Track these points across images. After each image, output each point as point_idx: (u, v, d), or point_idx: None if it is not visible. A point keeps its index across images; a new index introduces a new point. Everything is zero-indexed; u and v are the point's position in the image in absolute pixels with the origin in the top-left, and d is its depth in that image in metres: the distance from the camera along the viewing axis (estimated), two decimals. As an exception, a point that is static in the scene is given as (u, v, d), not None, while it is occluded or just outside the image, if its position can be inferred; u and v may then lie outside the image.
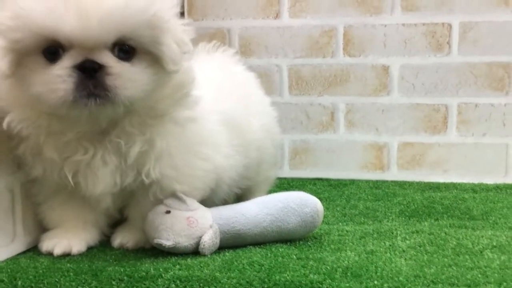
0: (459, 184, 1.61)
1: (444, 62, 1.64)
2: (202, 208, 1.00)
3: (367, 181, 1.68)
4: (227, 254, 0.96)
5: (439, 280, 0.82)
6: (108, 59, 0.83)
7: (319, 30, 1.71)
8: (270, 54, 1.74)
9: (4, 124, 0.90)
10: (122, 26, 0.82)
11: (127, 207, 1.04)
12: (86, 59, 0.81)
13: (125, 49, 0.85)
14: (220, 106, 1.09)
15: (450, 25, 1.63)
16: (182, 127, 0.97)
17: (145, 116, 0.92)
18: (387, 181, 1.67)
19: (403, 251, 0.98)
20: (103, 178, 0.93)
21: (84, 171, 0.93)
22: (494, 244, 1.01)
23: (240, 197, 1.23)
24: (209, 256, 0.95)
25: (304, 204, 1.03)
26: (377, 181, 1.68)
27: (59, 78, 0.81)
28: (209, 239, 0.96)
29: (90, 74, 0.81)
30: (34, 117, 0.89)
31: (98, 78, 0.82)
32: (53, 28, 0.79)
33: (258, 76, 1.37)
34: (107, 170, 0.93)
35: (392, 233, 1.10)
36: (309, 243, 1.03)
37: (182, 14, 1.76)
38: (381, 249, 0.99)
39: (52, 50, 0.83)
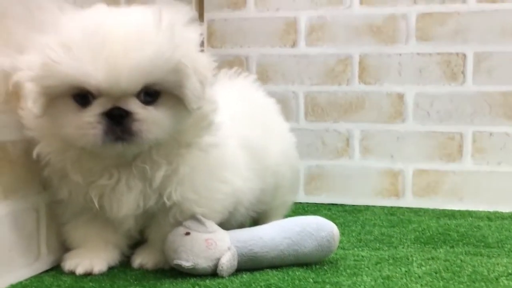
0: (474, 212, 1.62)
1: (458, 91, 1.66)
2: (221, 230, 1.02)
3: (382, 208, 1.69)
4: (244, 276, 0.98)
5: (455, 305, 0.83)
6: (134, 106, 0.87)
7: (335, 58, 1.75)
8: (287, 81, 1.78)
9: (34, 154, 0.94)
10: (149, 76, 0.86)
11: (147, 228, 1.06)
12: (114, 107, 0.86)
13: (150, 93, 0.89)
14: (239, 131, 1.12)
15: (464, 55, 1.66)
16: (206, 153, 1.00)
17: (171, 146, 0.96)
18: (402, 208, 1.68)
19: (419, 277, 0.99)
20: (127, 202, 0.97)
21: (108, 195, 0.96)
22: (510, 271, 1.02)
23: (256, 221, 1.25)
24: (227, 278, 0.97)
25: (320, 229, 1.05)
26: (392, 207, 1.69)
27: (89, 124, 0.86)
28: (227, 261, 0.97)
29: (117, 121, 0.86)
30: (63, 150, 0.93)
31: (125, 124, 0.86)
32: (82, 79, 0.83)
33: (275, 103, 1.39)
34: (131, 194, 0.96)
35: (408, 259, 1.11)
36: (325, 267, 1.04)
37: (201, 42, 1.82)
38: (397, 275, 1.00)
39: (82, 95, 0.87)
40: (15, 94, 0.92)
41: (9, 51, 0.92)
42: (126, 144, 0.88)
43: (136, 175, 0.95)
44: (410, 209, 1.66)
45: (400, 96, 1.70)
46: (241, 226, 1.15)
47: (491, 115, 1.65)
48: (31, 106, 0.88)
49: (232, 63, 1.75)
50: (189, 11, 0.95)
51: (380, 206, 1.70)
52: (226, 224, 1.08)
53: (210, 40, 1.82)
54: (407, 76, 1.69)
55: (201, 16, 1.80)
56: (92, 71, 0.82)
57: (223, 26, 1.81)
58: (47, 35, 0.85)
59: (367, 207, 1.69)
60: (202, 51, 0.97)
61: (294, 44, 1.77)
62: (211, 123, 1.00)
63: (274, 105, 1.37)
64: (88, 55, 0.82)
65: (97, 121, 0.86)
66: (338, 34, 1.73)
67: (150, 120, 0.88)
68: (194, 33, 0.95)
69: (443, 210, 1.64)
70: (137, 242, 1.09)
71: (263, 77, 1.78)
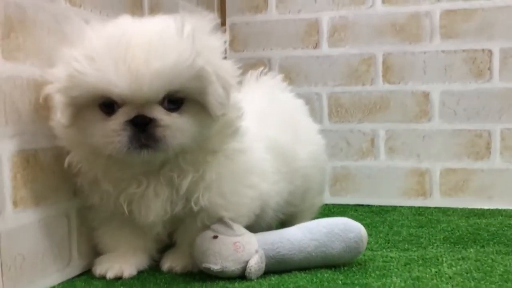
0: (504, 210, 1.59)
1: (485, 88, 1.64)
2: (248, 233, 1.03)
3: (409, 208, 1.67)
4: (272, 278, 0.98)
5: (488, 306, 0.82)
6: (158, 113, 0.88)
7: (358, 58, 1.74)
8: (310, 82, 1.78)
9: (66, 163, 0.96)
10: (171, 83, 0.87)
11: (175, 232, 1.07)
12: (138, 115, 0.87)
13: (173, 100, 0.90)
14: (267, 133, 1.12)
15: (490, 51, 1.63)
16: (232, 159, 1.01)
17: (197, 154, 0.97)
18: (429, 208, 1.66)
19: (450, 277, 0.97)
20: (154, 208, 0.98)
21: (137, 201, 0.98)
22: (544, 271, 1.00)
23: (284, 223, 1.25)
24: (255, 280, 0.97)
25: (348, 230, 1.04)
26: (419, 207, 1.67)
27: (114, 132, 0.87)
28: (255, 264, 0.98)
29: (141, 128, 0.87)
30: (93, 158, 0.95)
31: (149, 131, 0.87)
32: (106, 89, 0.85)
33: (303, 104, 1.39)
34: (159, 201, 0.98)
35: (438, 259, 1.09)
36: (353, 269, 1.04)
37: (225, 48, 1.83)
38: (427, 275, 0.99)
39: (107, 104, 0.88)
40: (45, 103, 0.94)
41: (38, 61, 0.94)
42: (152, 150, 0.88)
43: (163, 182, 0.97)
44: (438, 209, 1.64)
45: (426, 95, 1.68)
46: (269, 227, 1.16)
47: (519, 112, 1.62)
48: (59, 117, 0.90)
49: (255, 66, 1.74)
50: (212, 19, 0.96)
51: (407, 207, 1.69)
52: (255, 226, 1.08)
53: (232, 44, 1.83)
54: (432, 74, 1.67)
55: (223, 21, 1.81)
56: (115, 80, 0.84)
57: (245, 29, 1.81)
58: (73, 47, 0.87)
59: (394, 208, 1.68)
60: (225, 58, 0.97)
61: (316, 45, 1.77)
62: (236, 130, 1.00)
63: (303, 106, 1.37)
64: (111, 65, 0.84)
65: (122, 129, 0.87)
66: (361, 34, 1.73)
67: (174, 126, 0.89)
68: (217, 41, 0.95)
69: (472, 209, 1.62)
70: (166, 246, 1.10)
71: (286, 79, 1.74)
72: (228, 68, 0.96)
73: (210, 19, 0.95)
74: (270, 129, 1.14)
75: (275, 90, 1.32)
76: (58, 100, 0.89)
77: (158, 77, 0.85)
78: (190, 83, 0.88)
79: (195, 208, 0.99)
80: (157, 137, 0.88)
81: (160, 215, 0.99)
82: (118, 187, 0.97)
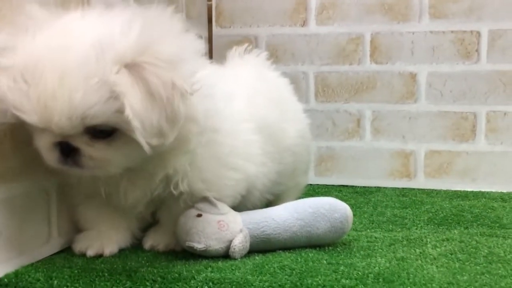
0: (487, 193, 1.60)
1: (472, 70, 1.63)
2: (233, 212, 1.01)
3: (394, 189, 1.67)
4: (257, 258, 0.97)
5: (472, 287, 0.82)
6: (81, 143, 0.83)
7: (346, 37, 1.71)
8: (297, 61, 1.75)
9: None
10: (84, 121, 0.79)
11: (158, 210, 1.05)
12: (61, 141, 0.83)
13: (101, 129, 0.82)
14: (256, 113, 1.10)
15: (479, 33, 1.62)
16: (210, 145, 0.97)
17: (160, 160, 0.91)
18: (414, 189, 1.67)
19: (434, 258, 0.97)
20: (133, 193, 0.96)
21: (115, 186, 0.96)
22: (527, 253, 1.00)
23: (269, 203, 1.24)
24: (239, 259, 0.96)
25: (333, 210, 1.03)
26: (403, 189, 1.67)
27: (45, 149, 0.85)
28: (239, 243, 0.96)
29: (66, 153, 0.84)
30: None
31: (73, 157, 0.85)
32: (21, 114, 0.80)
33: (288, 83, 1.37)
34: (137, 188, 0.96)
35: (422, 240, 1.09)
36: (338, 249, 1.03)
37: (209, 21, 1.79)
38: (412, 256, 0.98)
39: None
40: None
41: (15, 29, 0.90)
42: (85, 171, 0.87)
43: (138, 174, 0.94)
44: (422, 190, 1.64)
45: (413, 76, 1.67)
46: (254, 208, 1.14)
47: (505, 94, 1.62)
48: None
49: (240, 43, 1.71)
50: (179, 19, 0.86)
51: (391, 188, 1.69)
52: (240, 207, 1.06)
53: (218, 20, 1.79)
54: (420, 55, 1.66)
55: (209, -5, 1.77)
56: (27, 110, 0.79)
57: (232, 5, 1.77)
58: (12, 55, 0.81)
59: (378, 189, 1.68)
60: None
61: (304, 23, 1.74)
62: (197, 145, 0.93)
63: (288, 85, 1.35)
64: (26, 91, 0.78)
65: (50, 149, 0.85)
66: (349, 12, 1.70)
67: (98, 157, 0.84)
68: (172, 47, 0.82)
69: (456, 191, 1.62)
70: (149, 224, 1.08)
71: (273, 57, 1.73)
72: (170, 81, 0.79)
73: (176, 18, 0.86)
74: (259, 108, 1.12)
75: (261, 68, 1.29)
76: None
77: (68, 115, 0.78)
78: (112, 118, 0.79)
79: (175, 193, 0.97)
80: (81, 164, 0.85)
81: (140, 198, 0.97)
82: (91, 177, 0.94)
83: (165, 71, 0.79)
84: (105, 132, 0.83)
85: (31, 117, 0.80)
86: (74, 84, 0.77)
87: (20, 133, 0.92)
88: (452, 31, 1.64)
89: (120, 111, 0.77)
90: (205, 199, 0.99)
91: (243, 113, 1.06)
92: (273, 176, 1.15)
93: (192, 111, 0.86)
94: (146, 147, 0.79)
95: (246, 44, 1.30)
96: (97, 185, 0.96)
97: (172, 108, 0.79)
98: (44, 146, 0.85)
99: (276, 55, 1.75)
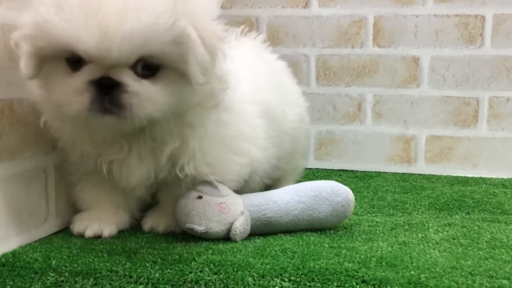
0: (488, 179, 1.59)
1: (476, 55, 1.61)
2: (234, 194, 1.00)
3: (394, 174, 1.66)
4: (258, 241, 0.95)
5: (477, 272, 0.81)
6: (127, 78, 0.79)
7: (349, 20, 1.69)
8: (298, 43, 1.73)
9: (41, 124, 0.90)
10: (145, 48, 0.78)
11: (158, 192, 1.04)
12: (104, 76, 0.78)
13: (149, 65, 0.81)
14: (259, 96, 1.08)
15: (483, 17, 1.60)
16: (217, 126, 0.95)
17: (174, 126, 0.90)
18: (414, 174, 1.66)
19: (437, 243, 0.96)
20: (138, 174, 0.93)
21: (119, 166, 0.93)
22: (530, 238, 0.99)
23: (269, 187, 1.23)
24: (240, 242, 0.95)
25: (335, 194, 1.02)
26: (404, 174, 1.66)
27: (75, 91, 0.79)
28: (240, 226, 0.95)
29: (106, 90, 0.79)
30: (64, 119, 0.89)
31: (114, 95, 0.79)
32: (71, 43, 0.76)
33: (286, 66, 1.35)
34: (142, 167, 0.93)
35: (424, 225, 1.08)
36: (340, 232, 1.02)
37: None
38: (414, 240, 0.98)
39: (74, 60, 0.80)
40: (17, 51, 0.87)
41: (14, 4, 0.88)
42: (115, 117, 0.80)
43: (145, 149, 0.91)
44: (422, 176, 1.63)
45: (416, 60, 1.65)
46: (253, 191, 1.13)
47: (509, 80, 1.60)
48: (22, 67, 0.82)
49: (241, 24, 1.68)
50: None
51: (391, 173, 1.68)
52: (239, 192, 1.05)
53: (219, 1, 1.75)
54: (423, 39, 1.64)
55: (210, -25, 1.74)
56: (82, 36, 0.75)
57: (233, -15, 1.74)
58: None
59: (378, 173, 1.67)
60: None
61: (306, 5, 1.71)
62: (218, 104, 0.93)
63: (286, 68, 1.33)
64: (81, 17, 0.75)
65: (84, 88, 0.79)
66: (352, -6, 1.67)
67: (143, 94, 0.80)
68: (206, 1, 0.86)
69: (456, 177, 1.62)
70: (148, 205, 1.07)
71: (274, 39, 1.73)
72: (216, 32, 0.86)
73: None
74: (261, 92, 1.10)
75: (259, 51, 1.27)
76: (23, 48, 0.81)
77: (131, 39, 0.75)
78: (168, 48, 0.79)
79: (181, 176, 0.94)
80: (121, 104, 0.79)
81: (143, 180, 0.94)
82: (98, 149, 0.91)
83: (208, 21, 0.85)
84: (150, 69, 0.81)
85: (85, 44, 0.75)
86: (143, 6, 0.76)
87: (18, 110, 0.90)
88: (456, 15, 1.61)
89: (178, 41, 0.79)
90: (206, 181, 0.98)
91: (247, 96, 1.04)
92: (273, 161, 1.14)
93: (218, 68, 0.88)
94: (197, 79, 0.82)
95: (242, 27, 1.27)
96: (99, 163, 0.92)
97: (212, 47, 0.84)
98: (76, 88, 0.79)
99: (277, 37, 1.73)
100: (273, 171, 1.18)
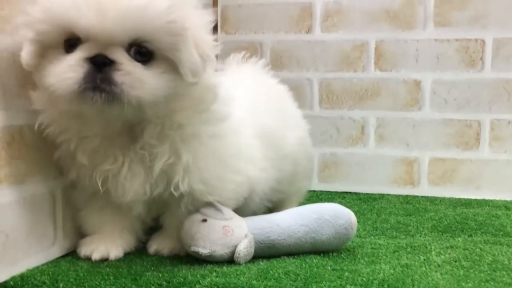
0: (491, 201, 1.59)
1: (477, 78, 1.63)
2: (238, 217, 1.01)
3: (397, 196, 1.67)
4: (261, 263, 0.97)
5: (477, 294, 0.82)
6: (121, 57, 0.83)
7: (351, 44, 1.72)
8: (302, 67, 1.76)
9: (36, 126, 0.92)
10: (139, 27, 0.82)
11: (162, 215, 1.06)
12: (98, 53, 0.82)
13: (142, 52, 0.84)
14: (256, 120, 1.10)
15: (483, 41, 1.62)
16: (211, 141, 0.97)
17: (163, 127, 0.92)
18: (417, 197, 1.67)
19: (439, 265, 0.97)
20: (131, 188, 0.94)
21: (112, 179, 0.94)
22: (532, 261, 1.00)
23: (271, 209, 1.24)
24: (244, 264, 0.96)
25: (338, 216, 1.04)
26: (407, 196, 1.67)
27: (69, 67, 0.82)
28: (244, 248, 0.97)
29: (99, 67, 0.82)
30: (58, 117, 0.91)
31: (106, 72, 0.82)
32: (72, 20, 0.81)
33: (289, 89, 1.37)
34: (135, 181, 0.94)
35: (426, 247, 1.09)
36: (342, 255, 1.03)
37: (215, 27, 1.80)
38: (416, 263, 0.99)
39: (71, 42, 0.84)
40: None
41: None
42: (106, 96, 0.81)
43: (137, 161, 0.93)
44: (426, 198, 1.64)
45: (417, 83, 1.68)
46: (254, 214, 1.14)
47: (510, 103, 1.62)
48: (23, 55, 0.86)
49: (246, 49, 1.72)
50: None
51: (395, 195, 1.69)
52: (240, 213, 1.06)
53: (224, 26, 1.80)
54: (425, 62, 1.66)
55: (215, 2, 1.78)
56: (81, 12, 0.80)
57: (237, 11, 1.78)
58: None
59: (382, 196, 1.68)
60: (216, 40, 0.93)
61: (309, 30, 1.75)
62: (207, 109, 0.95)
63: (287, 91, 1.35)
64: None
65: (78, 65, 0.82)
66: (354, 19, 1.71)
67: (136, 75, 0.83)
68: (203, 14, 0.91)
69: (460, 199, 1.62)
70: (154, 227, 1.09)
71: (278, 63, 1.76)
72: (209, 42, 0.91)
73: None
74: (259, 115, 1.12)
75: (260, 75, 1.30)
76: (25, 36, 0.86)
77: (126, 16, 0.80)
78: (162, 35, 0.83)
79: (176, 194, 0.96)
80: (114, 81, 0.81)
81: (139, 195, 0.95)
82: (93, 161, 0.93)
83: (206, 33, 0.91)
84: (144, 56, 0.84)
85: (84, 20, 0.80)
86: None
87: (28, 136, 0.93)
88: (456, 39, 1.64)
89: (172, 31, 0.83)
90: (210, 204, 1.00)
91: (244, 119, 1.06)
92: (273, 183, 1.15)
93: (207, 78, 0.93)
94: (187, 72, 0.86)
95: (244, 52, 1.30)
96: (94, 178, 0.94)
97: (203, 51, 0.88)
98: (70, 65, 0.82)
99: (281, 62, 1.76)
100: (273, 193, 1.19)
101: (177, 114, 0.92)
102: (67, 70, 0.82)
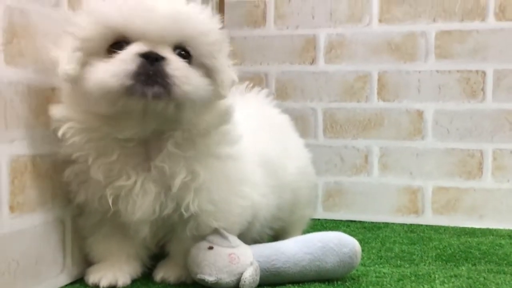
0: (495, 230, 1.60)
1: (478, 108, 1.66)
2: (243, 245, 1.03)
3: (402, 225, 1.68)
4: (267, 291, 0.98)
5: (481, 323, 0.83)
6: (170, 55, 0.89)
7: (354, 75, 1.76)
8: (306, 97, 1.79)
9: (60, 133, 0.92)
10: (185, 30, 0.90)
11: (168, 243, 1.07)
12: (150, 50, 0.87)
13: (185, 55, 0.91)
14: (258, 148, 1.12)
15: (484, 72, 1.66)
16: (224, 163, 1.00)
17: (188, 133, 0.95)
18: (421, 225, 1.68)
19: (442, 294, 0.98)
20: (142, 206, 0.96)
21: (124, 197, 0.95)
22: (535, 290, 1.01)
23: (275, 238, 1.25)
24: (249, 292, 0.97)
25: (342, 245, 1.05)
26: (411, 225, 1.68)
27: (122, 62, 0.86)
28: (249, 276, 0.98)
29: (152, 61, 0.86)
30: (87, 122, 0.92)
31: (159, 66, 0.86)
32: (124, 22, 0.87)
33: (294, 119, 1.40)
34: (147, 199, 0.95)
35: (430, 276, 1.10)
36: (347, 283, 1.04)
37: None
38: (420, 291, 0.99)
39: (118, 45, 0.88)
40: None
41: (40, 66, 0.95)
42: (157, 91, 0.85)
43: (153, 177, 0.95)
44: (430, 227, 1.65)
45: (420, 113, 1.71)
46: (256, 243, 1.15)
47: (511, 132, 1.64)
48: (63, 67, 0.89)
49: (251, 79, 1.77)
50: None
51: (399, 224, 1.70)
52: (242, 240, 1.08)
53: (230, 57, 1.84)
54: (427, 93, 1.70)
55: (221, 34, 1.83)
56: (136, 12, 0.86)
57: (243, 43, 1.83)
58: None
59: (386, 224, 1.69)
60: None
61: (313, 61, 1.79)
62: (225, 127, 1.00)
63: (289, 121, 1.38)
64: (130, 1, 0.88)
65: (132, 59, 0.86)
66: (357, 51, 1.75)
67: (185, 70, 0.88)
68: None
69: (463, 228, 1.63)
70: (159, 254, 1.10)
71: (282, 93, 1.80)
72: (232, 73, 1.00)
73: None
74: (261, 143, 1.14)
75: (262, 105, 1.33)
76: (68, 46, 0.89)
77: (177, 18, 0.88)
78: (203, 40, 0.91)
79: (186, 215, 0.98)
80: (166, 73, 0.86)
81: (147, 214, 0.96)
82: (107, 178, 0.94)
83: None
84: (186, 59, 0.90)
85: (135, 22, 0.86)
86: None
87: (40, 166, 0.95)
88: (457, 71, 1.68)
89: (213, 42, 0.93)
90: (216, 232, 1.01)
91: (249, 144, 1.09)
92: (274, 210, 1.17)
93: (225, 103, 0.99)
94: (220, 86, 0.94)
95: (247, 82, 1.34)
96: (105, 197, 0.95)
97: (229, 74, 0.98)
98: (123, 59, 0.86)
99: (285, 92, 1.80)
100: (274, 220, 1.20)
101: (203, 123, 0.97)
102: (120, 64, 0.86)
